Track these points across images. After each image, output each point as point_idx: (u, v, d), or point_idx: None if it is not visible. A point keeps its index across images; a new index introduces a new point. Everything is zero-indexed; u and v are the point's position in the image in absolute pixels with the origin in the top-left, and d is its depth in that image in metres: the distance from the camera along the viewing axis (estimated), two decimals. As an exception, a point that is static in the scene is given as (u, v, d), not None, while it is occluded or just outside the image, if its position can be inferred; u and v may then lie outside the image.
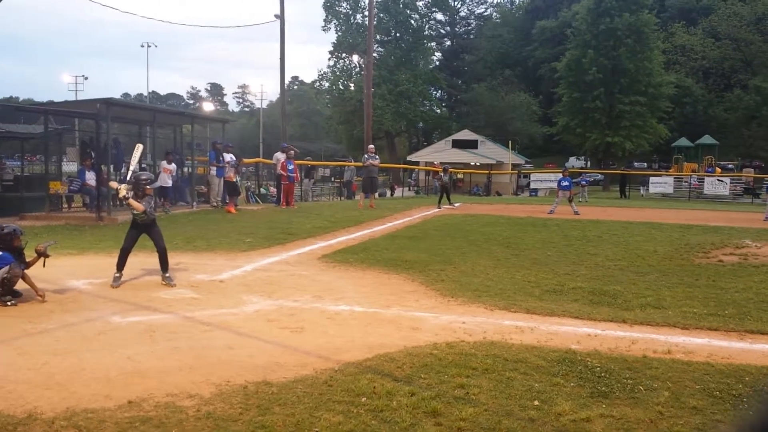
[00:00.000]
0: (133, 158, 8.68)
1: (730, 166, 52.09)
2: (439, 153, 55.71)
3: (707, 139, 50.18)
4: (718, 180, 39.98)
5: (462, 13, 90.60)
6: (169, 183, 17.36)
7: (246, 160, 18.99)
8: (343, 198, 33.59)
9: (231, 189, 18.42)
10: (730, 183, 39.92)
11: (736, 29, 58.81)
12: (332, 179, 38.90)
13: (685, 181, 41.48)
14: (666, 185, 41.55)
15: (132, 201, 7.90)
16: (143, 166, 18.49)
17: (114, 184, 8.64)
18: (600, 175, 53.65)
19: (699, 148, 49.53)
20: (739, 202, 36.51)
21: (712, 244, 12.70)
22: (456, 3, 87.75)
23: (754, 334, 6.19)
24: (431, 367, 4.92)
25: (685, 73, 63.02)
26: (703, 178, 40.73)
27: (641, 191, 42.25)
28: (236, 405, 4.17)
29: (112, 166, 16.21)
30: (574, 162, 66.34)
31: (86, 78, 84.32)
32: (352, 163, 35.10)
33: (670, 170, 49.36)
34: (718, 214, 21.79)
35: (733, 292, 8.17)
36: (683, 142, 51.15)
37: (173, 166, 17.80)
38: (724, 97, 62.17)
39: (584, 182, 34.24)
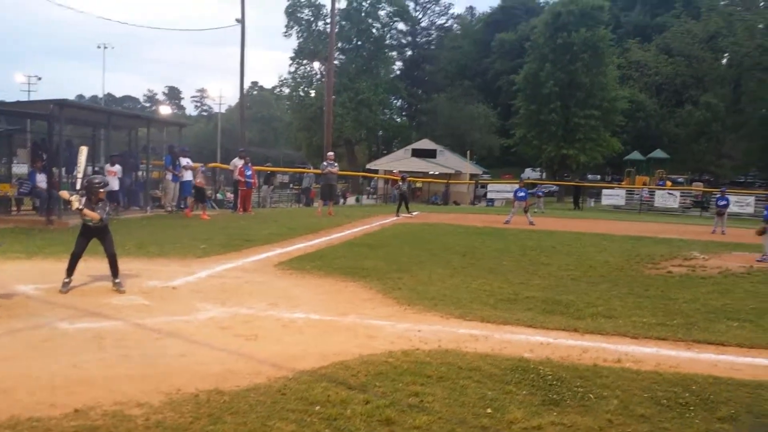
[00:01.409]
0: (79, 162, 8.39)
1: (680, 179, 53.57)
2: (398, 161, 55.94)
3: (659, 153, 51.49)
4: (669, 193, 41.06)
5: (423, 24, 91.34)
6: (116, 186, 16.86)
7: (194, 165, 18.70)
8: (301, 205, 33.47)
9: (200, 195, 18.15)
10: (680, 196, 41.00)
11: (689, 46, 60.52)
12: (291, 186, 38.72)
13: (637, 194, 42.45)
14: (618, 197, 42.50)
15: (86, 211, 7.63)
16: (96, 168, 18.10)
17: (65, 194, 8.08)
18: (555, 187, 54.55)
19: (650, 162, 50.76)
20: (688, 215, 37.52)
21: (661, 255, 13.04)
22: (417, 13, 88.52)
23: (700, 344, 6.34)
24: (386, 375, 4.92)
25: (638, 89, 64.55)
26: (654, 191, 41.75)
27: (590, 202, 43.03)
28: (187, 414, 4.09)
29: (64, 169, 15.82)
30: (530, 173, 67.32)
31: (39, 78, 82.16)
32: (311, 170, 35.01)
33: (622, 183, 50.47)
34: (668, 227, 22.38)
35: (681, 303, 8.37)
36: (635, 155, 52.38)
37: (117, 167, 17.20)
38: (675, 113, 63.84)
39: (540, 193, 34.77)
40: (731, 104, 59.54)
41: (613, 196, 42.95)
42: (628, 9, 78.82)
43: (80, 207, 7.61)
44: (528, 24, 70.80)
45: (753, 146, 58.15)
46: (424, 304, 7.64)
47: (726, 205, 21.58)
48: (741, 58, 58.36)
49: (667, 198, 40.29)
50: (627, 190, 43.89)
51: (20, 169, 20.16)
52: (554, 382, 4.87)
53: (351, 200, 39.91)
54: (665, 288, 9.57)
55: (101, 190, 7.85)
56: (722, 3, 61.89)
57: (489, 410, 4.31)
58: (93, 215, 7.66)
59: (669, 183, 46.34)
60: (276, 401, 4.33)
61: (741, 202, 36.62)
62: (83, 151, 8.54)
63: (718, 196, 23.71)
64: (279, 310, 7.22)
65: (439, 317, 7.10)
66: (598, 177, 67.95)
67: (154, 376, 4.79)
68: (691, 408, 4.50)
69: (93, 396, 4.33)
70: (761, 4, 59.32)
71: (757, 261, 12.73)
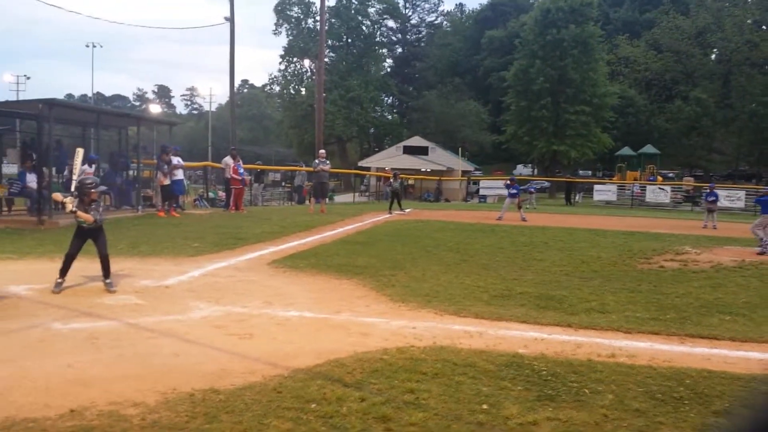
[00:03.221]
0: (75, 164, 8.34)
1: (670, 174, 53.90)
2: (390, 159, 55.94)
3: (649, 149, 51.74)
4: (660, 188, 41.25)
5: (413, 21, 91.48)
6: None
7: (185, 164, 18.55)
8: (293, 203, 33.42)
9: (166, 193, 17.94)
10: (671, 191, 41.22)
11: (678, 42, 60.87)
12: (282, 184, 38.64)
13: (628, 189, 42.64)
14: (609, 193, 42.68)
15: (80, 213, 7.59)
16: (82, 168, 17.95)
17: (58, 197, 8.05)
18: (546, 183, 54.72)
19: (641, 157, 51.00)
20: (679, 209, 37.74)
21: (653, 250, 13.09)
22: (407, 11, 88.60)
23: (694, 338, 6.38)
24: (381, 372, 4.92)
25: (628, 84, 64.93)
26: (645, 187, 41.95)
27: (577, 197, 43.13)
28: (182, 413, 4.08)
29: (54, 168, 15.71)
30: (521, 169, 67.59)
31: (28, 78, 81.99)
32: (303, 168, 34.96)
33: (614, 178, 50.68)
34: (659, 222, 22.49)
35: (674, 297, 8.41)
36: (626, 151, 52.63)
37: (92, 168, 16.88)
38: (665, 108, 64.21)
39: (532, 189, 34.88)
40: (721, 99, 59.95)
41: (605, 191, 43.16)
42: (617, 5, 79.24)
43: (73, 209, 7.57)
44: (518, 21, 71.03)
45: (743, 141, 58.57)
46: (418, 301, 7.65)
47: (715, 201, 21.66)
48: (730, 53, 58.78)
49: (658, 193, 40.49)
50: (618, 186, 44.09)
51: (10, 169, 20.03)
52: (549, 378, 4.89)
53: (341, 198, 39.80)
54: (658, 283, 9.61)
55: (93, 190, 7.79)
56: (710, -1, 62.26)
57: (484, 406, 4.32)
58: (87, 217, 7.62)
59: (660, 178, 46.57)
60: (272, 399, 4.32)
61: (732, 197, 36.83)
62: (79, 152, 8.47)
63: (707, 192, 23.81)
64: (273, 308, 7.21)
65: (433, 314, 7.11)
66: (590, 173, 68.22)
67: (149, 376, 4.77)
68: (686, 402, 4.52)
69: (88, 396, 4.31)
70: (749, -1, 59.71)
71: (757, 254, 12.82)
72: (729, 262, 11.64)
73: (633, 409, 4.36)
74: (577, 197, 43.01)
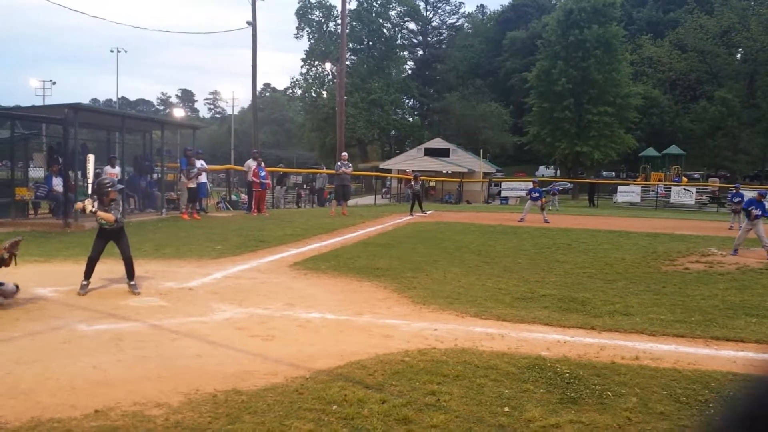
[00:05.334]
0: (88, 170, 8.51)
1: (696, 175, 53.10)
2: (411, 161, 55.86)
3: (674, 150, 51.09)
4: (685, 189, 40.72)
5: (434, 23, 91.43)
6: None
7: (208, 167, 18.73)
8: (314, 205, 33.53)
9: (190, 196, 18.11)
10: (696, 192, 40.67)
11: (702, 42, 60.09)
12: (304, 186, 38.78)
13: (652, 191, 42.16)
14: (634, 194, 42.23)
15: (100, 213, 7.69)
16: (97, 171, 18.19)
17: (79, 205, 8.07)
18: (569, 184, 54.30)
19: (666, 158, 50.38)
20: (704, 211, 37.22)
21: (678, 252, 12.93)
22: (428, 13, 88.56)
23: (719, 341, 6.29)
24: (403, 374, 4.92)
25: (652, 85, 64.21)
26: (670, 188, 41.44)
27: (594, 200, 42.58)
28: (205, 414, 4.11)
29: (79, 172, 15.93)
30: (543, 171, 67.12)
31: (54, 83, 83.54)
32: (324, 171, 35.05)
33: (638, 180, 50.14)
34: (684, 223, 22.21)
35: (699, 299, 8.30)
36: (650, 152, 52.00)
37: (117, 170, 17.16)
38: (690, 109, 63.41)
39: (555, 190, 34.64)
40: (746, 99, 59.05)
41: (629, 192, 42.72)
42: (640, 5, 78.45)
43: (93, 210, 7.68)
44: (539, 21, 70.63)
45: (770, 141, 57.62)
46: (440, 303, 7.63)
47: (740, 202, 21.31)
48: (755, 52, 57.90)
49: (683, 194, 39.98)
50: (642, 187, 43.60)
51: (37, 173, 20.33)
52: (572, 380, 4.85)
53: (363, 200, 39.81)
54: (683, 285, 9.50)
55: (110, 189, 7.90)
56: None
57: (506, 409, 4.29)
58: (108, 217, 7.73)
59: (685, 179, 45.96)
60: (293, 401, 4.34)
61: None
62: (90, 158, 8.69)
63: (732, 192, 23.46)
64: (295, 310, 7.24)
65: (454, 316, 7.09)
66: (613, 174, 67.53)
67: (173, 377, 4.82)
68: (711, 405, 4.46)
69: (113, 397, 4.36)
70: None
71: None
72: (755, 264, 11.48)
73: (657, 413, 4.31)
74: (593, 200, 42.58)
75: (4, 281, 6.91)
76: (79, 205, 8.17)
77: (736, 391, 4.35)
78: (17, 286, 6.97)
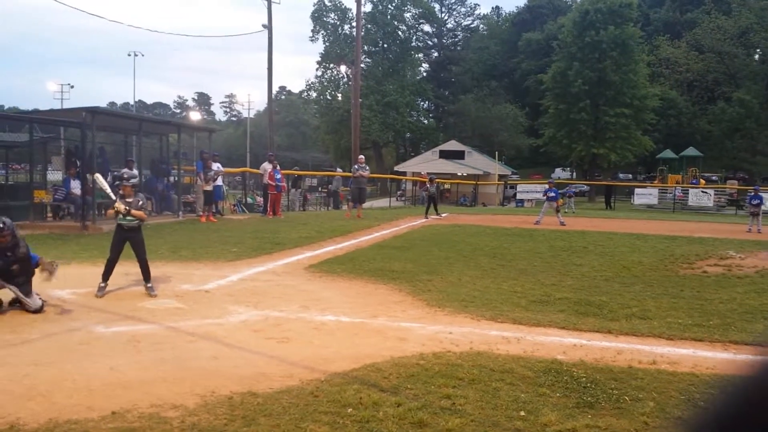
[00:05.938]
0: (103, 187, 8.76)
1: (714, 177, 52.62)
2: (426, 163, 55.72)
3: (691, 151, 50.62)
4: (703, 191, 40.30)
5: (449, 25, 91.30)
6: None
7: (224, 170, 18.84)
8: (329, 208, 33.59)
9: (207, 198, 18.22)
10: (714, 195, 40.26)
11: (720, 42, 59.48)
12: (319, 189, 38.86)
13: (670, 193, 41.79)
14: (651, 197, 41.87)
15: (134, 212, 7.89)
16: (115, 173, 18.37)
17: (111, 212, 8.21)
18: (585, 186, 53.96)
19: (683, 160, 49.93)
20: (723, 213, 36.84)
21: (696, 255, 12.80)
22: (443, 15, 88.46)
23: (738, 345, 6.22)
24: (418, 377, 4.91)
25: (669, 86, 63.63)
26: (688, 190, 41.05)
27: (610, 202, 42.13)
28: (221, 416, 4.13)
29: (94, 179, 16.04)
30: (560, 173, 66.69)
31: (72, 86, 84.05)
32: (339, 173, 35.10)
33: (655, 182, 49.72)
34: (702, 226, 21.98)
35: (718, 303, 8.22)
36: (668, 153, 51.55)
37: (135, 172, 17.26)
38: (708, 110, 62.77)
39: (571, 193, 34.41)
40: (765, 100, 58.32)
41: (646, 195, 42.35)
42: (657, 6, 77.82)
43: (127, 208, 7.80)
44: (555, 23, 70.27)
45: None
46: (455, 306, 7.61)
47: (759, 204, 21.08)
48: (774, 53, 57.20)
49: (701, 197, 39.57)
50: (660, 189, 43.23)
51: (55, 176, 20.54)
52: (588, 385, 4.82)
53: (378, 203, 39.84)
54: (701, 288, 9.40)
55: (127, 183, 8.03)
56: (754, -2, 60.74)
57: (522, 413, 4.27)
58: (140, 214, 7.90)
59: (702, 181, 45.51)
60: (309, 403, 4.35)
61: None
62: (98, 178, 9.06)
63: (750, 194, 23.20)
64: (310, 312, 7.25)
65: (470, 319, 7.07)
66: (630, 176, 67.03)
67: (189, 379, 4.84)
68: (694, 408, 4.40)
69: (129, 398, 4.39)
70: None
71: None
72: (775, 267, 11.32)
73: (675, 417, 4.27)
74: (609, 202, 42.21)
75: (38, 293, 6.97)
76: (111, 212, 8.29)
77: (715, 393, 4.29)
78: (43, 306, 6.97)
